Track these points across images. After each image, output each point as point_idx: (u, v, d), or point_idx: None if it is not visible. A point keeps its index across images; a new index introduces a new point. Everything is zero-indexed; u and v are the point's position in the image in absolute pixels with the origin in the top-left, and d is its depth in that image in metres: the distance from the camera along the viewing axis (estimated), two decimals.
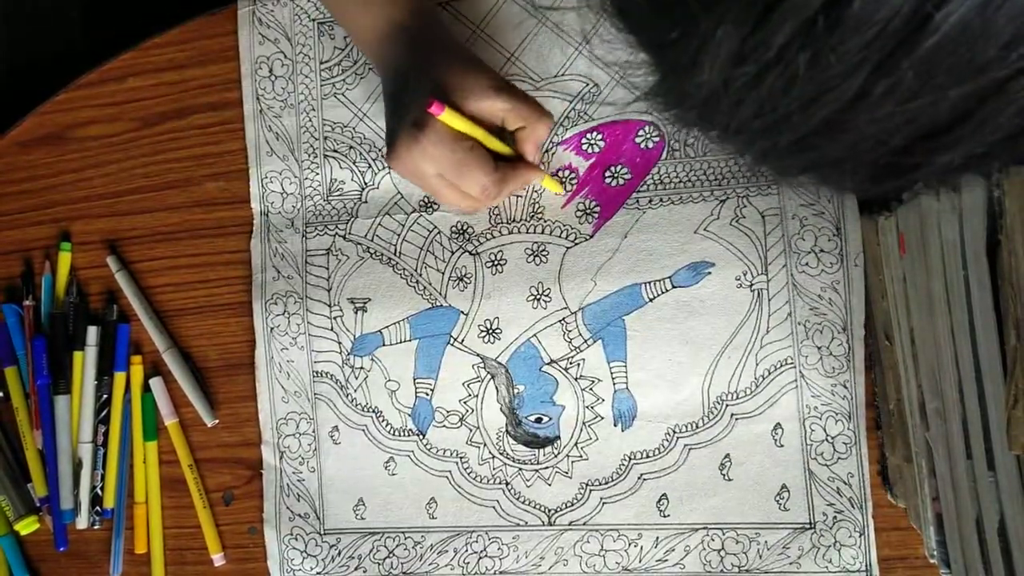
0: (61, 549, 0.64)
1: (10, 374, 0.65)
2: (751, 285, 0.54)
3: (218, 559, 0.63)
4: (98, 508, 0.63)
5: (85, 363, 0.63)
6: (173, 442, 0.63)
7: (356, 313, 0.59)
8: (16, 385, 0.65)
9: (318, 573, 0.60)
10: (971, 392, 0.36)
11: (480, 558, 0.58)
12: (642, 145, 0.56)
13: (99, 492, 0.64)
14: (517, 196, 0.58)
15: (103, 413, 0.64)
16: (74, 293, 0.65)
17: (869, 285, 0.53)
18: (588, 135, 0.57)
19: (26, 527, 0.64)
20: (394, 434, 0.59)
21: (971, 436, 0.37)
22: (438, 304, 0.58)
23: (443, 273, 0.58)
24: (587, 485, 0.57)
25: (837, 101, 0.22)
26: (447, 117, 0.48)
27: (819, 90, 0.22)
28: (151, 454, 0.64)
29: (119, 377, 0.64)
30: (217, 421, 0.63)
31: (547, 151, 0.57)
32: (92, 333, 0.63)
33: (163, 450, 0.64)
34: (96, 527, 0.64)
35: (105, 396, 0.64)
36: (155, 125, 0.64)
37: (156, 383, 0.63)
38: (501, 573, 0.58)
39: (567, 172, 0.57)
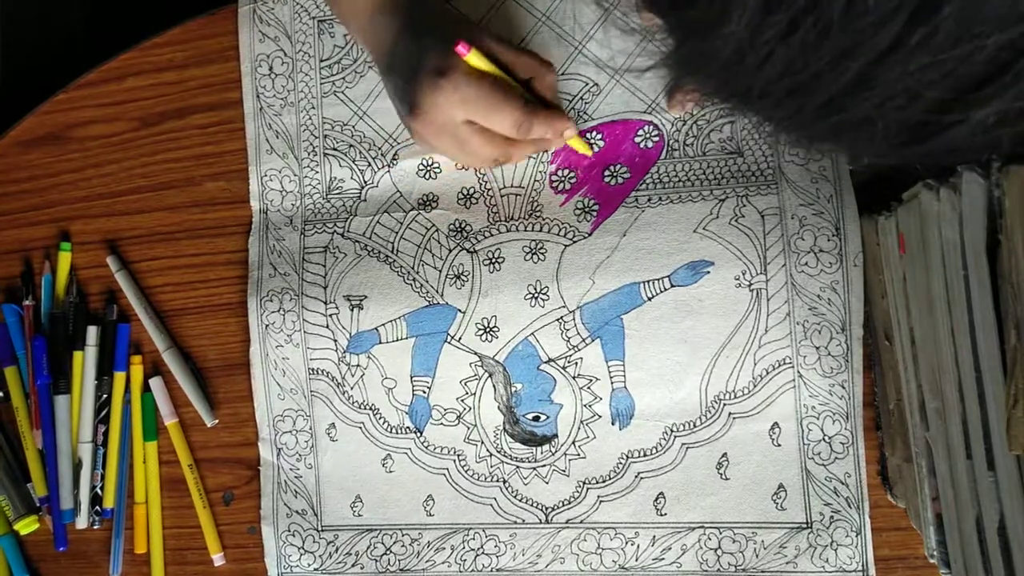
0: (61, 549, 0.64)
1: (10, 374, 0.65)
2: (750, 285, 0.54)
3: (218, 559, 0.63)
4: (98, 508, 0.63)
5: (85, 363, 0.63)
6: (173, 442, 0.63)
7: (352, 310, 0.59)
8: (16, 385, 0.65)
9: (315, 569, 0.60)
10: (971, 392, 0.36)
11: (477, 555, 0.58)
12: (641, 144, 0.56)
13: (99, 492, 0.64)
14: (516, 195, 0.58)
15: (103, 413, 0.64)
16: (74, 293, 0.65)
17: (869, 285, 0.53)
18: (588, 134, 0.57)
19: (26, 527, 0.64)
20: (391, 431, 0.59)
21: (971, 436, 0.37)
22: (435, 302, 0.58)
23: (440, 271, 0.58)
24: (584, 483, 0.57)
25: (871, 53, 0.21)
26: (473, 58, 0.48)
27: (853, 41, 0.21)
28: (151, 454, 0.64)
29: (119, 377, 0.64)
30: (217, 421, 0.63)
31: (546, 150, 0.57)
32: (92, 333, 0.63)
33: (163, 450, 0.64)
34: (96, 527, 0.64)
35: (105, 396, 0.64)
36: (155, 125, 0.64)
37: (156, 383, 0.63)
38: (498, 571, 0.58)
39: (566, 171, 0.57)
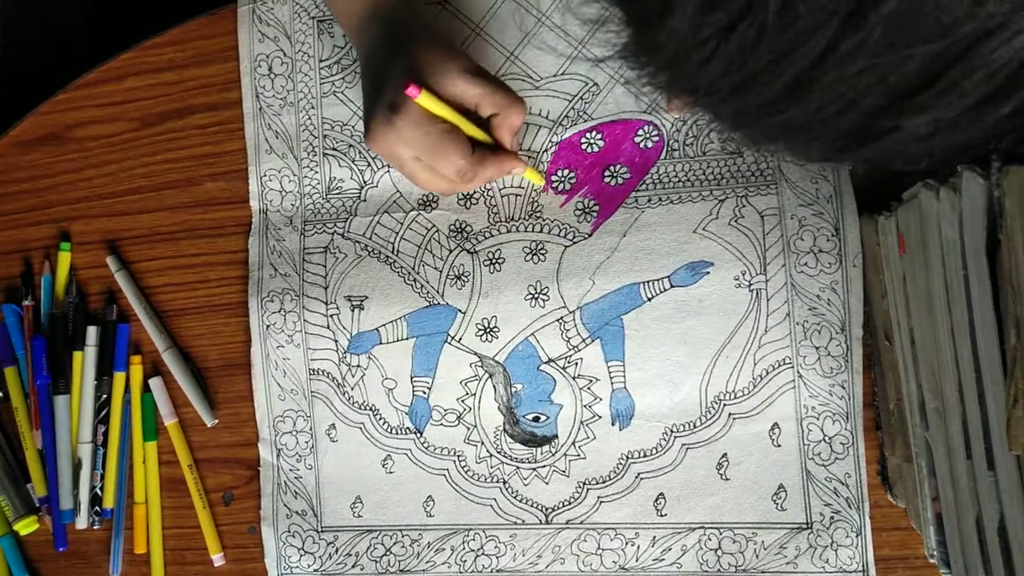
0: (61, 549, 0.64)
1: (10, 374, 0.65)
2: (750, 285, 0.54)
3: (218, 559, 0.63)
4: (97, 508, 0.63)
5: (85, 363, 0.63)
6: (173, 442, 0.63)
7: (353, 311, 0.59)
8: (16, 385, 0.65)
9: (315, 570, 0.60)
10: (971, 392, 0.36)
11: (477, 556, 0.58)
12: (641, 144, 0.56)
13: (99, 492, 0.64)
14: (516, 195, 0.58)
15: (103, 413, 0.64)
16: (73, 293, 0.65)
17: (869, 285, 0.53)
18: (588, 134, 0.57)
19: (26, 527, 0.64)
20: (391, 432, 0.59)
21: (971, 436, 0.37)
22: (436, 302, 0.58)
23: (441, 271, 0.58)
24: (584, 484, 0.57)
25: (806, 57, 0.22)
26: (424, 100, 0.48)
27: (788, 45, 0.22)
28: (151, 454, 0.64)
29: (119, 377, 0.64)
30: (217, 421, 0.63)
31: (545, 150, 0.57)
32: (92, 333, 0.63)
33: (163, 450, 0.64)
34: (96, 527, 0.64)
35: (105, 396, 0.64)
36: (154, 125, 0.64)
37: (156, 383, 0.63)
38: (498, 571, 0.58)
39: (566, 171, 0.57)
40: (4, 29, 0.85)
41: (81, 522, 0.63)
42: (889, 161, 0.27)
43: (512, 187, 0.58)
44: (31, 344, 0.64)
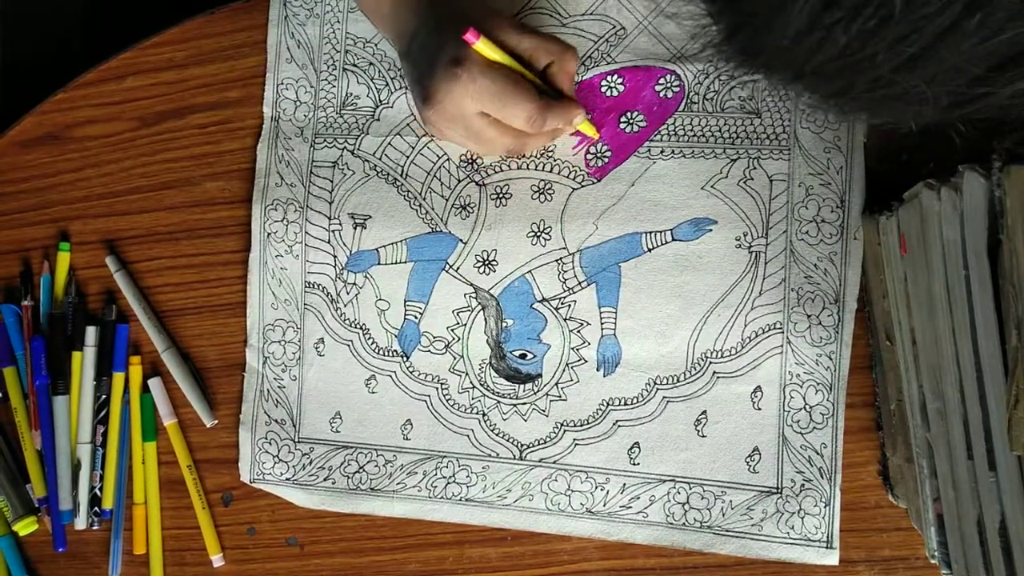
0: (60, 550, 0.64)
1: (9, 374, 0.65)
2: (750, 247, 0.54)
3: (217, 560, 0.63)
4: (97, 509, 0.63)
5: (84, 363, 0.63)
6: (172, 443, 0.63)
7: (355, 229, 0.60)
8: (15, 385, 0.65)
9: (287, 479, 0.61)
10: (972, 392, 0.36)
11: (448, 483, 0.59)
12: (661, 94, 0.56)
13: (98, 493, 0.63)
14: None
15: (102, 413, 0.64)
16: (73, 293, 0.65)
17: (870, 285, 0.53)
18: (608, 77, 0.57)
19: (25, 528, 0.64)
20: (379, 353, 0.60)
21: (972, 436, 0.37)
22: (438, 229, 0.59)
23: (447, 200, 0.59)
24: (562, 425, 0.57)
25: (926, 38, 0.22)
26: (483, 46, 0.48)
27: (912, 28, 0.22)
28: (150, 455, 0.64)
29: (118, 377, 0.64)
30: (216, 421, 0.63)
31: None
32: (91, 333, 0.63)
33: (162, 451, 0.64)
34: (95, 528, 0.64)
35: (104, 396, 0.64)
36: (154, 125, 0.64)
37: (155, 383, 0.63)
38: (467, 500, 0.58)
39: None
40: (4, 29, 0.85)
41: (80, 523, 0.63)
42: (989, 118, 0.27)
43: None
44: (30, 344, 0.64)
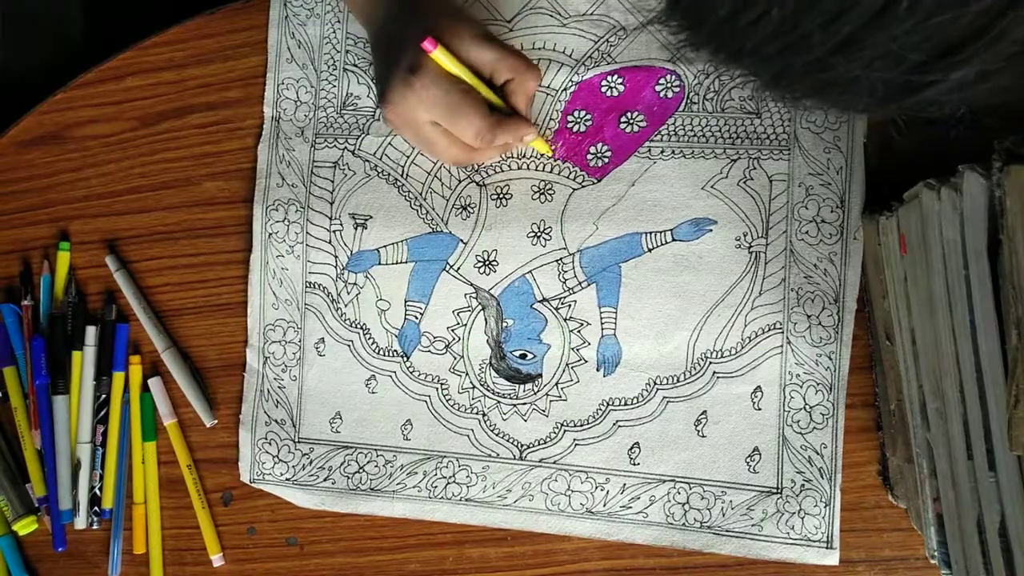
0: (59, 549, 0.64)
1: (9, 374, 0.65)
2: (749, 247, 0.54)
3: (217, 560, 0.63)
4: (96, 508, 0.63)
5: (84, 363, 0.63)
6: (172, 442, 0.63)
7: (356, 229, 0.60)
8: (15, 385, 0.65)
9: (287, 479, 0.61)
10: (972, 392, 0.36)
11: (448, 483, 0.59)
12: (662, 94, 0.56)
13: (98, 492, 0.63)
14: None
15: (102, 413, 0.64)
16: (73, 293, 0.65)
17: (870, 285, 0.52)
18: (609, 77, 0.57)
19: (24, 527, 0.64)
20: (379, 353, 0.60)
21: (972, 436, 0.37)
22: (439, 230, 0.59)
23: (448, 200, 0.59)
24: (562, 425, 0.57)
25: (860, 17, 0.22)
26: (439, 55, 0.48)
27: (844, 5, 0.22)
28: (150, 454, 0.64)
29: (118, 377, 0.64)
30: (216, 421, 0.63)
31: (565, 89, 0.57)
32: (91, 333, 0.63)
33: (162, 450, 0.64)
34: (95, 527, 0.64)
35: (104, 396, 0.64)
36: (154, 124, 0.64)
37: (155, 383, 0.63)
38: (467, 500, 0.58)
39: (583, 112, 0.57)
40: (3, 29, 0.85)
41: (80, 522, 0.63)
42: (930, 109, 0.27)
43: None
44: (30, 344, 0.64)
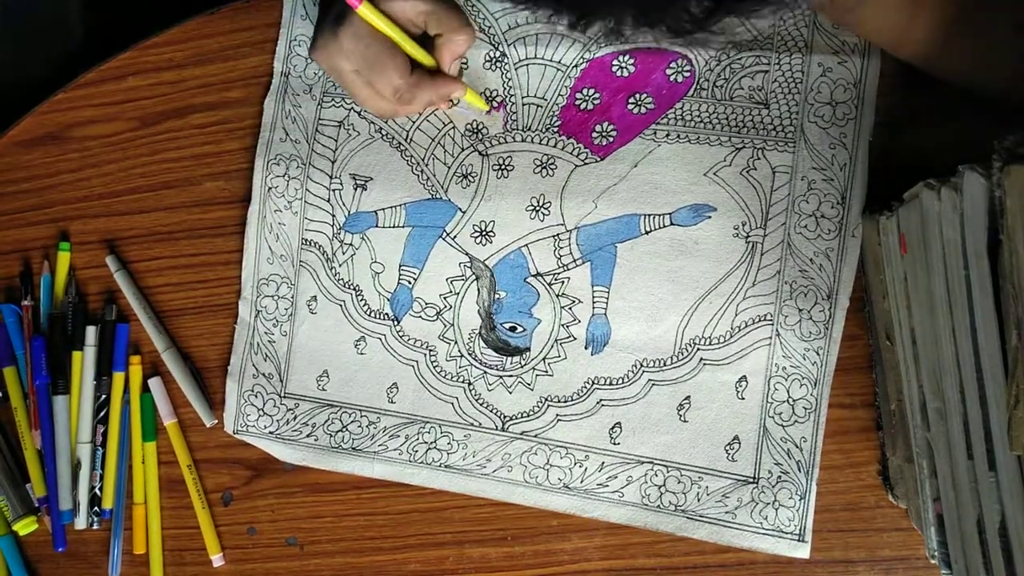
0: (60, 549, 0.64)
1: (9, 374, 0.65)
2: (747, 237, 0.54)
3: (217, 560, 0.63)
4: (97, 508, 0.63)
5: (84, 363, 0.63)
6: (172, 442, 0.63)
7: (356, 189, 0.60)
8: (15, 385, 0.65)
9: (270, 432, 0.61)
10: (972, 392, 0.36)
11: (429, 449, 0.59)
12: (672, 77, 0.56)
13: (98, 492, 0.63)
14: (537, 106, 0.58)
15: (102, 413, 0.64)
16: (73, 293, 0.65)
17: (870, 285, 0.53)
18: (620, 57, 0.57)
19: (25, 527, 0.64)
20: (370, 315, 0.60)
21: (972, 436, 0.37)
22: (438, 196, 0.59)
23: (449, 167, 0.59)
24: (546, 400, 0.57)
25: None
26: (365, 11, 0.49)
27: None
28: (150, 454, 0.64)
29: (118, 377, 0.64)
30: (216, 421, 0.63)
31: (576, 65, 0.57)
32: (91, 333, 0.63)
33: (162, 450, 0.64)
34: (95, 527, 0.64)
35: (104, 396, 0.64)
36: (154, 125, 0.64)
37: (155, 383, 0.63)
38: (446, 467, 0.59)
39: (591, 90, 0.57)
40: (3, 28, 0.85)
41: (80, 522, 0.63)
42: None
43: (534, 97, 0.58)
44: (30, 344, 0.64)
